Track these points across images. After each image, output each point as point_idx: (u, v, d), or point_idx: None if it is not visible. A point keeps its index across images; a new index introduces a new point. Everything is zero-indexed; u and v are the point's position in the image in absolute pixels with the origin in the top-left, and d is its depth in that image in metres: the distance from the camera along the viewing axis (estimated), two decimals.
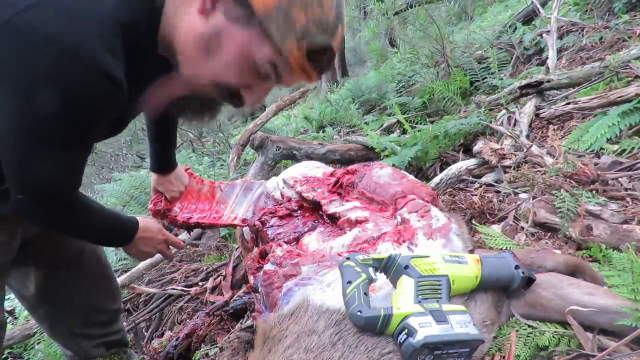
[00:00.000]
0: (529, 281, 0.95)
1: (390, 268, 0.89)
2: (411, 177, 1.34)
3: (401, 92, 3.96)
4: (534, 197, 1.46)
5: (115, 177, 3.91)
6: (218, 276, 1.89)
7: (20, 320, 2.21)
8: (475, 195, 1.67)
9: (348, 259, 0.88)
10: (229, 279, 1.69)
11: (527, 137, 2.04)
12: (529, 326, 0.94)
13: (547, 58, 2.84)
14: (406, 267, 0.87)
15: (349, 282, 0.84)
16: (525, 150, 1.81)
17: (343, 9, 0.81)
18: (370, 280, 0.86)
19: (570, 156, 1.66)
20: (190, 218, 1.47)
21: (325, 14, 0.76)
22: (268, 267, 1.06)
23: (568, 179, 1.48)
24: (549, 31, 3.08)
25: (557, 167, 1.57)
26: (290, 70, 0.80)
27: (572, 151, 1.77)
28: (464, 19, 7.06)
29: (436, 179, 1.97)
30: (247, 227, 1.45)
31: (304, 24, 0.74)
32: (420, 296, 0.83)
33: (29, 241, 1.12)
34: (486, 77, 3.10)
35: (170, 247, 1.28)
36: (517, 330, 0.94)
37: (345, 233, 1.15)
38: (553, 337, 0.90)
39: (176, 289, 1.96)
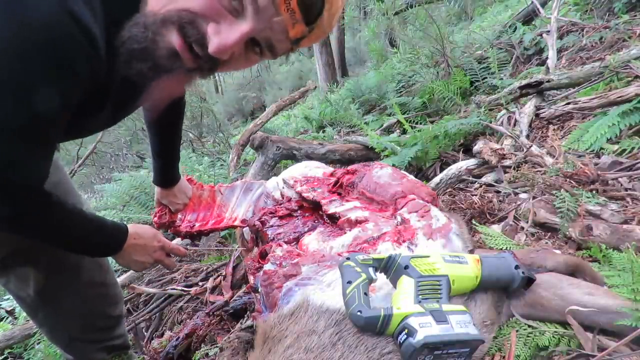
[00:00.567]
0: (529, 281, 0.95)
1: (390, 268, 0.89)
2: (411, 177, 1.34)
3: (401, 92, 3.96)
4: (534, 197, 1.46)
5: (115, 177, 3.91)
6: (218, 276, 1.89)
7: (20, 320, 2.21)
8: (475, 195, 1.67)
9: (348, 259, 0.88)
10: (229, 279, 1.69)
11: (527, 137, 2.04)
12: (529, 326, 0.94)
13: (547, 58, 2.84)
14: (406, 267, 0.87)
15: (349, 282, 0.84)
16: (525, 150, 1.81)
17: None
18: (370, 280, 0.86)
19: (570, 156, 1.66)
20: (193, 227, 1.47)
21: None
22: (268, 267, 1.06)
23: (568, 179, 1.48)
24: (549, 31, 3.08)
25: (557, 167, 1.57)
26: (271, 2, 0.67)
27: (572, 151, 1.77)
28: (464, 19, 7.07)
29: (436, 179, 1.97)
30: (247, 227, 1.46)
31: None
32: (420, 296, 0.83)
33: (25, 246, 1.07)
34: (486, 77, 3.10)
35: (170, 255, 1.21)
36: (517, 330, 0.94)
37: (345, 233, 1.15)
38: (553, 337, 0.90)
39: (176, 289, 1.96)
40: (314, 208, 1.38)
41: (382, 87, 4.21)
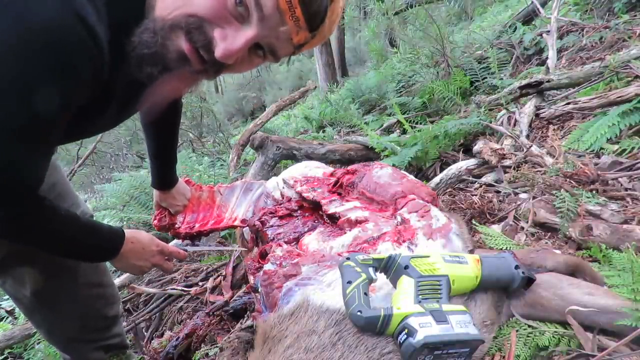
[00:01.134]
0: (529, 281, 0.95)
1: (390, 268, 0.89)
2: (411, 177, 1.34)
3: (401, 92, 3.96)
4: (534, 197, 1.46)
5: (115, 177, 3.91)
6: (218, 276, 1.89)
7: (20, 320, 2.21)
8: (475, 195, 1.67)
9: (348, 259, 0.88)
10: (229, 279, 1.69)
11: (527, 137, 2.04)
12: (529, 326, 0.94)
13: (547, 58, 2.84)
14: (406, 267, 0.87)
15: (349, 282, 0.84)
16: (525, 150, 1.81)
17: None
18: (370, 280, 0.86)
19: (570, 156, 1.66)
20: (193, 228, 1.47)
21: None
22: (268, 267, 1.06)
23: (568, 179, 1.48)
24: (549, 31, 3.08)
25: (557, 167, 1.57)
26: (275, 5, 0.69)
27: (572, 151, 1.77)
28: (464, 19, 7.07)
29: (436, 179, 1.97)
30: (247, 227, 1.46)
31: None
32: (420, 296, 0.83)
33: (22, 248, 1.05)
34: (486, 77, 3.10)
35: (169, 258, 1.19)
36: (517, 330, 0.94)
37: (345, 233, 1.15)
38: (553, 337, 0.90)
39: (176, 289, 1.96)
40: (314, 208, 1.38)
41: (382, 87, 4.21)
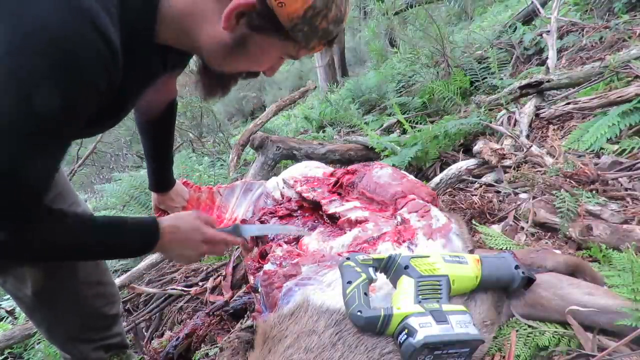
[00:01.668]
0: (529, 281, 0.95)
1: (390, 268, 0.89)
2: (411, 177, 1.34)
3: (401, 92, 3.96)
4: (534, 197, 1.46)
5: (115, 177, 3.91)
6: (218, 276, 1.89)
7: (20, 320, 2.21)
8: (475, 195, 1.67)
9: (348, 259, 0.88)
10: (229, 279, 1.69)
11: (527, 137, 2.04)
12: (529, 326, 0.94)
13: (547, 58, 2.84)
14: (406, 267, 0.87)
15: (349, 282, 0.84)
16: (525, 150, 1.81)
17: None
18: (370, 280, 0.86)
19: (570, 156, 1.66)
20: None
21: (341, 12, 0.82)
22: (268, 267, 1.06)
23: (568, 179, 1.48)
24: (549, 31, 3.08)
25: (557, 167, 1.57)
26: (309, 52, 0.88)
27: (572, 151, 1.77)
28: (464, 19, 7.06)
29: (436, 179, 1.97)
30: None
31: (325, 27, 0.81)
32: (420, 296, 0.84)
33: None
34: (486, 77, 3.10)
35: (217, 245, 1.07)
36: (517, 330, 0.94)
37: (345, 233, 1.15)
38: (553, 337, 0.90)
39: (176, 289, 1.96)
40: (314, 208, 1.38)
41: (382, 87, 4.21)
